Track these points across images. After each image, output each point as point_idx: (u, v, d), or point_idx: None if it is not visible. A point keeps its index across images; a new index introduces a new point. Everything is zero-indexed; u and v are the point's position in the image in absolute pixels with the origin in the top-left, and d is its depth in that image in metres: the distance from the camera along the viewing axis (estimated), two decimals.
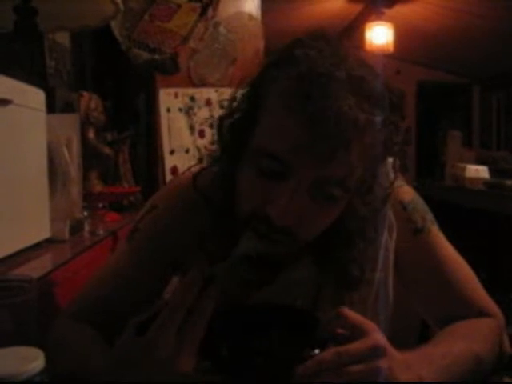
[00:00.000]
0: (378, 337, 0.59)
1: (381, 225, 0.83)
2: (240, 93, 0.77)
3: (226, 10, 2.43)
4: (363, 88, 0.67)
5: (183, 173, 0.98)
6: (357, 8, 4.99)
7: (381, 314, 0.87)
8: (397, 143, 0.74)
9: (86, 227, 1.46)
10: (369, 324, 0.60)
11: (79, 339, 0.78)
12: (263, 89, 0.72)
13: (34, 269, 0.99)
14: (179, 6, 2.31)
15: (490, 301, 0.88)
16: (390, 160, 0.81)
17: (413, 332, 1.09)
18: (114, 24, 2.19)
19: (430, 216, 0.90)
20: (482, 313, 0.85)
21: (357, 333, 0.58)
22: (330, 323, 0.61)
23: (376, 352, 0.57)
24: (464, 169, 3.32)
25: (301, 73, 0.67)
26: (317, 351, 0.57)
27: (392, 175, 0.81)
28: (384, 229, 0.84)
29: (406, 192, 0.91)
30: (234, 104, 0.78)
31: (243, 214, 0.72)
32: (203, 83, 2.41)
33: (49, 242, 1.20)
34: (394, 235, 0.85)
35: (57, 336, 0.80)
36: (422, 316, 0.95)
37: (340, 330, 0.60)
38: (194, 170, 0.92)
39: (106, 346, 0.74)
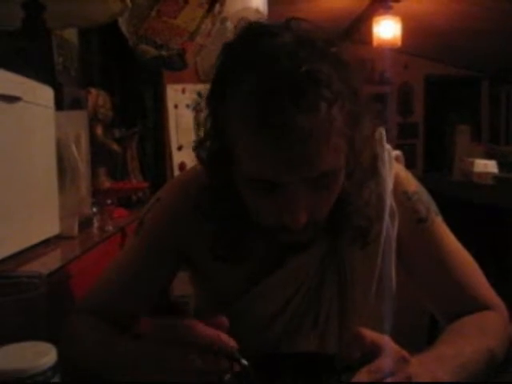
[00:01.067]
0: (396, 347, 0.61)
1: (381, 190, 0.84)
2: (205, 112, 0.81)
3: (233, 6, 2.42)
4: (314, 76, 0.64)
5: (189, 169, 0.98)
6: (364, 2, 4.97)
7: (385, 304, 0.87)
8: (359, 105, 0.72)
9: (95, 223, 1.46)
10: (383, 337, 0.61)
11: (95, 334, 0.79)
12: (220, 113, 0.74)
13: (44, 265, 1.00)
14: (186, 1, 2.31)
15: (494, 293, 0.88)
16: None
17: (422, 329, 1.09)
18: (121, 20, 2.19)
19: (434, 207, 0.90)
20: (486, 306, 0.85)
21: (375, 349, 0.59)
22: (350, 345, 0.62)
23: (403, 361, 0.59)
24: (472, 163, 3.30)
25: (246, 93, 0.67)
26: None
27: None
28: (385, 213, 0.84)
29: (411, 183, 0.91)
30: (202, 129, 0.82)
31: (264, 224, 0.76)
32: (210, 79, 2.40)
33: (58, 238, 1.20)
34: (396, 223, 0.85)
35: (70, 332, 0.81)
36: (429, 311, 0.95)
37: (356, 355, 0.61)
38: (198, 168, 0.92)
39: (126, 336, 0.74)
